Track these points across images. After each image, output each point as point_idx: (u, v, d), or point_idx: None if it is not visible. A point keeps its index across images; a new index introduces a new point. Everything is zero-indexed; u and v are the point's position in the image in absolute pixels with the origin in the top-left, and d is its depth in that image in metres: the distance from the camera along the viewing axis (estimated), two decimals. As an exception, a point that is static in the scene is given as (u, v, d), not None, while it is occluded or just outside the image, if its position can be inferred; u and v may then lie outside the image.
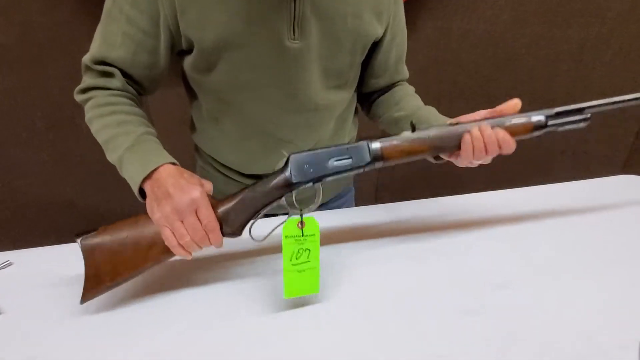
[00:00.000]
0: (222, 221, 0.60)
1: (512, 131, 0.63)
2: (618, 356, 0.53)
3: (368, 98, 0.86)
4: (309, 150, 0.60)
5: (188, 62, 0.70)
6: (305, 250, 0.65)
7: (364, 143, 0.61)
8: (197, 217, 0.57)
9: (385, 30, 0.74)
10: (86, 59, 0.67)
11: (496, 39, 1.53)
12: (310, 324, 0.60)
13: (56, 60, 1.31)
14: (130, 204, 1.88)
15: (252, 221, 0.62)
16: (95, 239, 0.60)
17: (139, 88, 0.71)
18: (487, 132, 0.61)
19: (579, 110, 0.65)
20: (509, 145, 0.62)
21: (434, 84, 1.61)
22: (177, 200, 0.56)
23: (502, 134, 0.62)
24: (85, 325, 0.59)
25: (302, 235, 0.64)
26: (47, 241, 1.42)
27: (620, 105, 0.66)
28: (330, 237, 0.78)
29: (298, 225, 0.61)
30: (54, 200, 1.49)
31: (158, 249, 0.59)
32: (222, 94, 0.71)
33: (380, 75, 0.80)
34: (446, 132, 0.62)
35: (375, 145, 0.60)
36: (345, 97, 0.78)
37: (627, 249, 0.73)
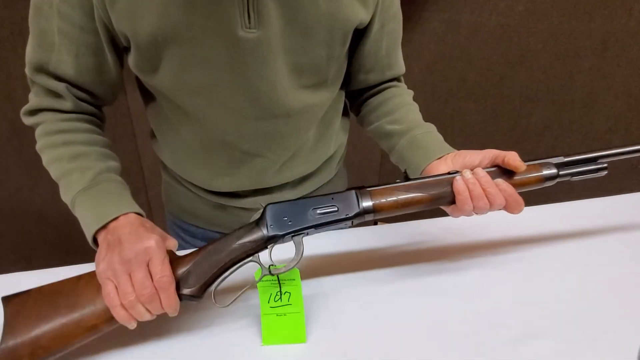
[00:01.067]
0: (180, 281, 0.48)
1: (519, 183, 0.53)
2: None
3: (357, 97, 0.72)
4: (289, 200, 0.52)
5: (130, 60, 0.57)
6: (284, 293, 0.53)
7: (352, 192, 0.52)
8: (149, 270, 0.46)
9: (373, 16, 0.60)
10: (27, 70, 0.55)
11: (510, 34, 1.39)
12: None
13: (20, 57, 1.18)
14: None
15: (217, 282, 0.50)
16: (26, 299, 0.48)
17: (93, 100, 0.59)
18: (480, 173, 0.51)
19: (592, 160, 0.55)
20: (518, 203, 0.52)
21: (440, 82, 1.47)
22: (127, 248, 0.47)
23: (510, 190, 0.51)
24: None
25: (278, 280, 0.52)
26: (17, 255, 1.29)
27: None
28: (317, 267, 0.65)
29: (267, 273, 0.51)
30: (22, 211, 1.37)
31: (96, 315, 0.47)
32: (175, 98, 0.58)
33: (370, 69, 0.66)
34: (445, 181, 0.52)
35: (366, 196, 0.52)
36: (326, 98, 0.64)
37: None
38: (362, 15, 0.57)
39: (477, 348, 0.51)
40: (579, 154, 0.55)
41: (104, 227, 0.50)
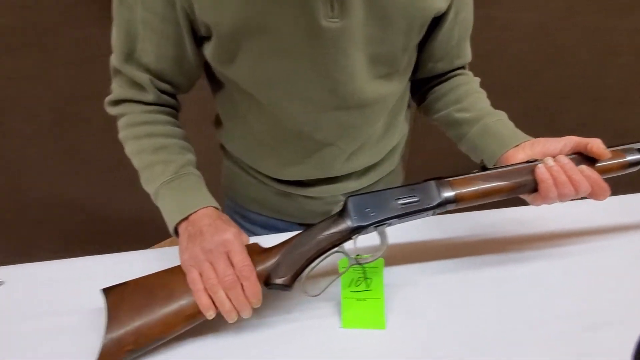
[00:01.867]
0: (271, 272, 0.50)
1: (603, 170, 0.53)
2: None
3: (422, 85, 0.72)
4: (368, 192, 0.52)
5: (207, 50, 0.57)
6: (366, 279, 0.53)
7: (431, 183, 0.52)
8: (230, 262, 0.49)
9: (450, 4, 0.59)
10: (114, 59, 0.57)
11: (545, 30, 1.38)
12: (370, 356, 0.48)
13: (63, 46, 1.19)
14: (138, 207, 1.76)
15: (305, 272, 0.51)
16: (124, 290, 0.50)
17: (172, 90, 0.61)
18: (563, 160, 0.51)
19: None
20: (604, 190, 0.51)
21: (473, 78, 1.47)
22: (208, 239, 0.50)
23: (596, 176, 0.51)
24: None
25: (362, 266, 0.53)
26: (53, 244, 1.30)
27: None
28: (398, 256, 0.65)
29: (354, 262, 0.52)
30: (59, 201, 1.38)
31: (194, 305, 0.48)
32: (250, 89, 0.59)
33: (439, 58, 0.66)
34: (526, 169, 0.52)
35: (446, 186, 0.52)
36: (397, 88, 0.64)
37: None
38: (441, 4, 0.57)
39: (549, 337, 0.51)
40: None
41: (185, 218, 0.53)
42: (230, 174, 0.77)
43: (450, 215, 0.73)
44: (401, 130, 0.73)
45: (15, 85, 1.19)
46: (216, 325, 0.53)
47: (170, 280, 0.50)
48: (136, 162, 0.59)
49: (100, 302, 0.50)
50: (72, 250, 0.65)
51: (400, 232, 0.64)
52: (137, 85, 0.58)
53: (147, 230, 1.64)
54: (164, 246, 0.82)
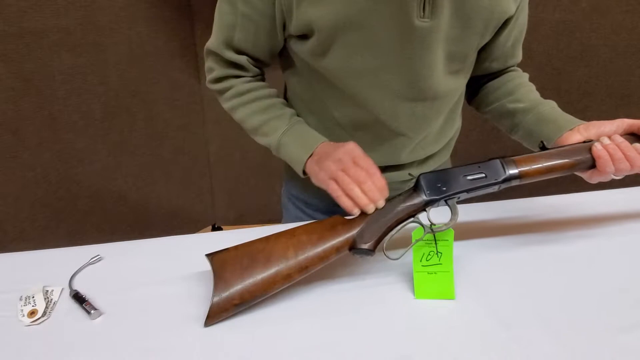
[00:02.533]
0: (356, 238, 0.56)
1: None
2: None
3: (476, 82, 0.78)
4: (439, 170, 0.59)
5: (301, 46, 0.64)
6: (437, 253, 0.59)
7: (496, 161, 0.58)
8: (358, 166, 0.57)
9: (517, 8, 0.65)
10: (212, 45, 0.66)
11: (572, 29, 1.43)
12: (442, 325, 0.55)
13: (116, 44, 1.26)
14: (177, 202, 1.83)
15: (386, 239, 0.57)
16: (226, 255, 0.57)
17: (261, 65, 0.71)
18: (618, 139, 0.57)
19: None
20: None
21: (500, 76, 1.52)
22: (335, 153, 0.59)
23: None
24: (198, 336, 0.53)
25: (434, 239, 0.58)
26: (100, 234, 1.37)
27: None
28: (466, 234, 0.71)
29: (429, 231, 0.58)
30: (105, 192, 1.45)
31: (289, 267, 0.55)
32: (336, 80, 0.65)
33: (495, 58, 0.72)
34: (584, 148, 0.58)
35: (510, 164, 0.57)
36: (462, 83, 0.71)
37: None
38: (512, 8, 0.63)
39: (602, 308, 0.56)
40: None
41: (311, 155, 0.63)
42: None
43: (513, 200, 0.80)
44: (457, 124, 0.79)
45: (70, 81, 1.26)
46: (302, 288, 0.60)
47: (266, 246, 0.56)
48: (250, 124, 0.69)
49: (194, 271, 0.58)
50: (115, 238, 0.71)
51: (468, 212, 0.70)
52: (236, 65, 0.67)
53: (183, 219, 1.71)
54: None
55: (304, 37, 0.62)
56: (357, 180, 0.55)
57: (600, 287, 0.60)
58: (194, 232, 1.52)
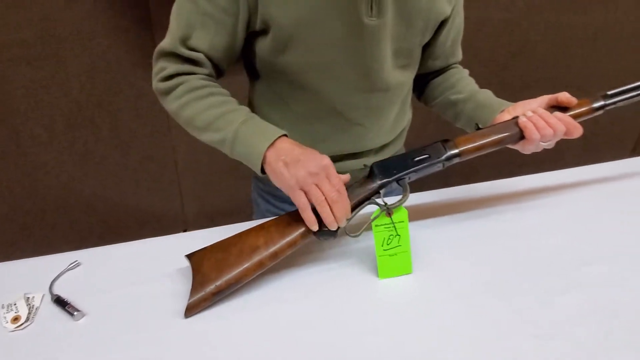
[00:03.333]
0: (321, 221, 0.61)
1: (573, 115, 0.66)
2: None
3: (422, 80, 0.86)
4: (389, 157, 0.65)
5: (261, 43, 0.68)
6: (395, 236, 0.65)
7: (438, 143, 0.65)
8: (331, 184, 0.59)
9: (452, 10, 0.74)
10: (167, 44, 0.65)
11: (512, 27, 1.55)
12: (404, 300, 0.61)
13: (77, 56, 1.26)
14: (146, 210, 1.84)
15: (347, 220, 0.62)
16: (203, 252, 0.61)
17: (216, 74, 0.71)
18: (540, 110, 0.64)
19: (633, 89, 0.69)
20: (578, 128, 0.65)
21: (451, 72, 1.62)
22: (311, 164, 0.58)
23: (568, 118, 0.64)
24: (180, 327, 0.57)
25: (392, 222, 0.64)
26: (69, 246, 1.37)
27: None
28: (418, 215, 0.79)
29: (387, 215, 0.63)
30: (73, 204, 1.44)
31: (260, 254, 0.60)
32: (295, 75, 0.70)
33: (438, 56, 0.80)
34: (511, 123, 0.66)
35: (450, 143, 0.65)
36: (410, 77, 0.78)
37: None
38: (448, 10, 0.72)
39: (550, 270, 0.65)
40: (619, 86, 0.68)
41: (272, 145, 0.61)
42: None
43: (462, 186, 0.88)
44: (408, 115, 0.87)
45: (33, 94, 1.25)
46: (274, 276, 0.65)
47: (239, 241, 0.61)
48: (203, 119, 0.64)
49: (171, 270, 0.63)
50: (87, 245, 0.72)
51: (422, 198, 0.78)
52: (192, 61, 0.65)
53: (154, 226, 1.71)
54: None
55: (264, 33, 0.66)
56: (329, 198, 0.57)
57: (540, 255, 0.68)
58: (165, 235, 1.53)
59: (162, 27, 1.39)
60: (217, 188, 1.78)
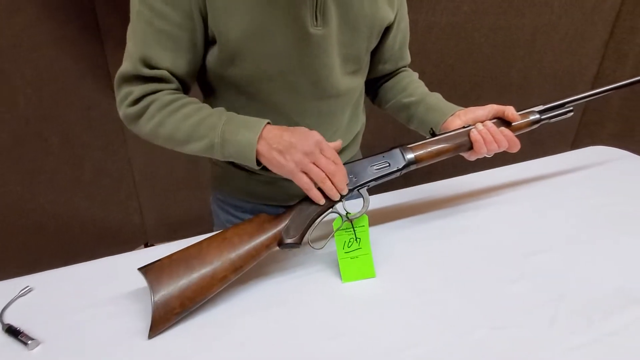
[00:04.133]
0: (283, 234, 0.62)
1: (516, 129, 0.72)
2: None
3: (374, 84, 0.89)
4: (349, 162, 0.66)
5: (210, 56, 0.68)
6: (356, 239, 0.67)
7: (397, 150, 0.67)
8: (326, 157, 0.61)
9: (395, 15, 0.77)
10: (128, 68, 0.64)
11: (458, 30, 1.63)
12: (367, 301, 0.63)
13: (20, 69, 1.19)
14: (103, 225, 1.78)
15: (309, 231, 0.64)
16: (160, 265, 0.58)
17: (182, 87, 0.70)
18: (489, 125, 0.69)
19: (562, 105, 0.76)
20: (516, 144, 0.71)
21: (404, 75, 1.68)
22: (304, 145, 0.60)
23: (511, 135, 0.70)
24: (144, 349, 0.56)
25: (352, 227, 0.67)
26: (20, 269, 1.30)
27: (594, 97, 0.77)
28: (377, 218, 0.81)
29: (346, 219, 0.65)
30: (21, 224, 1.36)
31: (224, 268, 0.59)
32: (246, 86, 0.71)
33: (387, 60, 0.83)
34: (464, 133, 0.70)
35: (408, 151, 0.67)
36: (360, 83, 0.81)
37: (621, 210, 0.82)
38: (391, 16, 0.75)
39: (495, 266, 0.69)
40: (552, 102, 0.75)
41: (260, 136, 0.61)
42: (220, 172, 0.87)
43: (418, 186, 0.92)
44: (361, 119, 0.89)
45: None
46: (239, 287, 0.65)
47: (200, 252, 0.60)
48: (183, 130, 0.64)
49: (129, 289, 0.60)
50: (38, 270, 0.69)
51: (381, 200, 0.80)
52: (157, 79, 0.65)
53: (111, 242, 1.65)
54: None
55: (212, 45, 0.66)
56: (328, 172, 0.60)
57: (492, 249, 0.72)
58: (124, 247, 1.48)
59: (112, 36, 1.35)
60: (177, 199, 1.74)
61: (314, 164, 0.60)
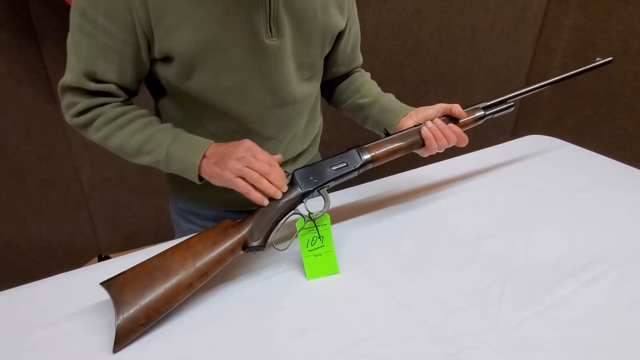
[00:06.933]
0: (247, 238, 0.63)
1: (463, 125, 0.77)
2: (584, 276, 0.68)
3: (329, 86, 0.92)
4: (309, 164, 0.69)
5: (165, 71, 0.68)
6: (319, 237, 0.69)
7: (354, 150, 0.70)
8: (259, 160, 0.63)
9: (347, 22, 0.79)
10: (71, 80, 0.64)
11: (404, 28, 1.69)
12: (332, 296, 0.66)
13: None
14: (51, 239, 1.69)
15: (273, 233, 0.65)
16: (123, 278, 0.58)
17: (129, 94, 0.71)
18: (438, 122, 0.73)
19: (504, 101, 0.82)
20: (465, 139, 0.76)
21: (355, 73, 1.72)
22: (236, 152, 0.63)
23: (459, 131, 0.75)
24: (107, 356, 0.55)
25: (315, 225, 0.69)
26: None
27: (532, 92, 0.83)
28: (338, 215, 0.83)
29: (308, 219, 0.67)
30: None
31: (189, 276, 0.59)
32: (204, 98, 0.71)
33: (340, 63, 0.86)
34: (415, 131, 0.74)
35: (364, 151, 0.70)
36: (316, 88, 0.83)
37: (563, 193, 0.90)
38: (342, 23, 0.77)
39: (447, 253, 0.74)
40: (494, 98, 0.80)
41: (204, 156, 0.65)
42: (180, 180, 0.85)
43: (374, 181, 0.95)
44: (318, 121, 0.91)
45: None
46: (206, 293, 0.65)
47: (164, 262, 0.59)
48: (130, 146, 0.67)
49: (87, 304, 0.59)
50: None
51: (342, 197, 0.82)
52: (103, 93, 0.66)
53: (62, 257, 1.56)
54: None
55: (167, 60, 0.66)
56: (263, 172, 0.62)
57: (445, 237, 0.77)
58: (78, 268, 1.42)
59: (50, 39, 1.29)
60: (131, 206, 1.68)
61: (247, 167, 0.62)
